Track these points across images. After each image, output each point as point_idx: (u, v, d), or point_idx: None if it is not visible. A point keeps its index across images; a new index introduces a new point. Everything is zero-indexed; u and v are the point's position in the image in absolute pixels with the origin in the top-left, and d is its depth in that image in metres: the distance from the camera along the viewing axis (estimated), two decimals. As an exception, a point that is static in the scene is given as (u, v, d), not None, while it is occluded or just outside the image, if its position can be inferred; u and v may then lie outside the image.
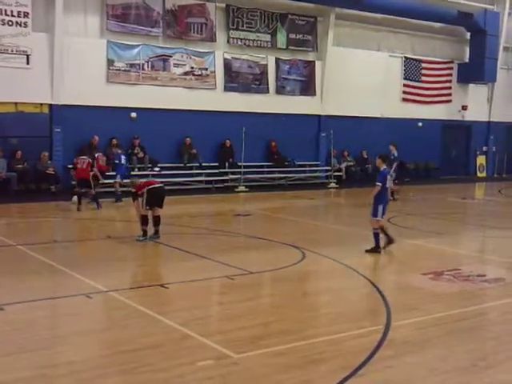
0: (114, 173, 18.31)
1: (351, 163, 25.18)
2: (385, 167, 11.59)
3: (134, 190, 12.20)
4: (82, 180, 16.38)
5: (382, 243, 11.27)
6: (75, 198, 16.64)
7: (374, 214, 11.22)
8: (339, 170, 24.61)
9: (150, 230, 11.95)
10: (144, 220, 11.86)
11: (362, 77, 25.26)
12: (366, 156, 25.41)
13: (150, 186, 11.93)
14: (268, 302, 8.52)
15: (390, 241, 11.33)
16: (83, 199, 16.40)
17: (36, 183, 18.88)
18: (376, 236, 11.28)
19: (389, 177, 11.96)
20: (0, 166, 18.15)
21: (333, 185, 23.59)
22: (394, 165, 18.95)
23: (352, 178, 24.63)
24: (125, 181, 17.49)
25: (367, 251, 11.19)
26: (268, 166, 23.45)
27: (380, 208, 11.20)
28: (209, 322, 7.45)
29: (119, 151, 18.67)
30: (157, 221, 11.99)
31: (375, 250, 11.23)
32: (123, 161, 18.38)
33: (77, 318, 7.38)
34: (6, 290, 8.40)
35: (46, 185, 18.77)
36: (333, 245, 12.24)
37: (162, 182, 12.60)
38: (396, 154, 19.61)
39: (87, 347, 6.42)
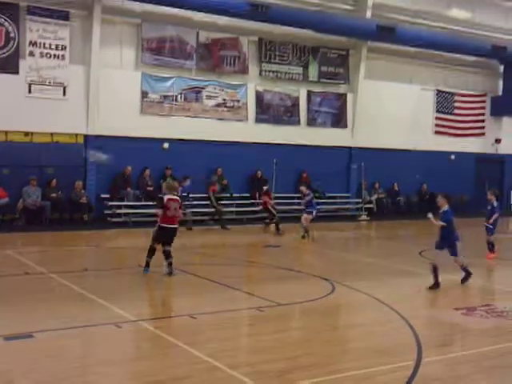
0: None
1: (382, 195, 25.04)
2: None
3: (161, 196, 11.62)
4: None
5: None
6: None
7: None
8: (370, 202, 24.48)
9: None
10: (150, 251, 11.47)
11: (394, 109, 25.26)
12: (397, 188, 25.26)
13: (164, 225, 11.34)
14: (297, 335, 8.45)
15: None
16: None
17: (69, 212, 19.16)
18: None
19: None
20: (35, 195, 18.50)
21: (364, 217, 23.45)
22: (309, 201, 18.26)
23: (383, 211, 24.47)
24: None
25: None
26: (299, 198, 23.40)
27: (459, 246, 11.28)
28: (237, 354, 7.40)
29: (184, 184, 18.43)
30: (168, 254, 11.37)
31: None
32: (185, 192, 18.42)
33: (106, 347, 7.42)
34: (37, 317, 8.48)
35: (79, 214, 19.04)
36: (363, 278, 12.10)
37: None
38: (307, 193, 18.73)
39: (116, 377, 6.42)
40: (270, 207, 19.45)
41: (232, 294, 10.22)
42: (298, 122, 23.74)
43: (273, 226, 19.08)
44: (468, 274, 11.45)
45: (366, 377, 6.49)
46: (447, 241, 11.18)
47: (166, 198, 11.37)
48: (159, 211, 11.37)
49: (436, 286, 10.97)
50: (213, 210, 20.31)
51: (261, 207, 20.11)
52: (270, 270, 12.92)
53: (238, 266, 13.15)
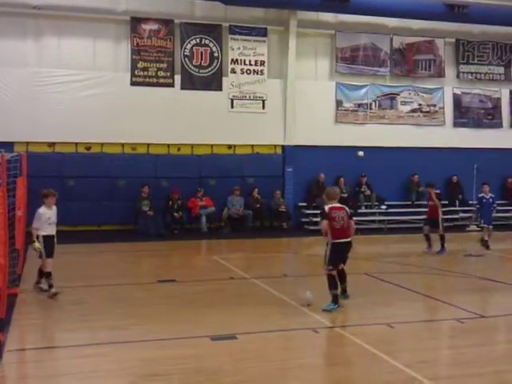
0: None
1: None
2: None
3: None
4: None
5: None
6: None
7: None
8: None
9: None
10: (331, 281, 9.52)
11: None
12: None
13: (336, 240, 9.49)
14: (502, 349, 8.04)
15: None
16: None
17: (269, 220, 19.95)
18: None
19: None
20: (238, 204, 19.55)
21: None
22: None
23: None
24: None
25: None
26: (504, 205, 22.05)
27: None
28: (436, 366, 7.23)
29: (486, 196, 16.43)
30: (343, 277, 9.85)
31: None
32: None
33: (304, 351, 7.65)
34: (241, 319, 8.97)
35: (278, 222, 19.74)
36: None
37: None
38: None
39: (315, 382, 6.60)
40: None
41: (430, 304, 10.00)
42: (499, 125, 22.51)
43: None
44: None
45: None
46: None
47: (327, 207, 9.58)
48: (324, 223, 9.55)
49: None
50: None
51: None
52: (471, 280, 12.36)
53: (435, 275, 12.76)
